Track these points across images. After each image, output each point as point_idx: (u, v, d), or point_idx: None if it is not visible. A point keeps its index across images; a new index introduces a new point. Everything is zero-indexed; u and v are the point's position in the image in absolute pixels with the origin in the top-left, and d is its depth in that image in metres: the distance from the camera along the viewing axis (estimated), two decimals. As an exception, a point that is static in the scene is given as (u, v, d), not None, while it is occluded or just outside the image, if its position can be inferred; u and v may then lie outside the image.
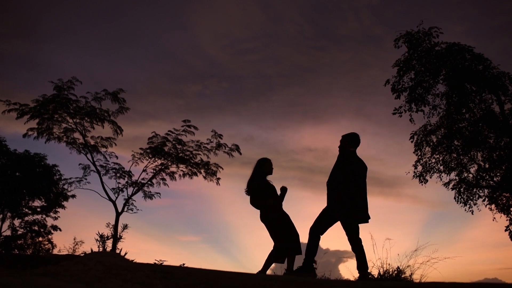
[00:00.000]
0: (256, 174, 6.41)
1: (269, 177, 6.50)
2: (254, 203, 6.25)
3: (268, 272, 6.07)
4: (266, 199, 6.15)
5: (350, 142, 5.96)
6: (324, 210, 5.64)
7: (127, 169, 15.87)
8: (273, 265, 6.18)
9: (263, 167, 6.44)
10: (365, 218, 5.56)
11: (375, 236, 6.06)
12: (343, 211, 5.49)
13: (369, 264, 5.50)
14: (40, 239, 20.58)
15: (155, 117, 30.61)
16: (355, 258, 5.45)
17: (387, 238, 5.96)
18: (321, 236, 5.58)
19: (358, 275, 5.42)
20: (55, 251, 19.85)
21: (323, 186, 5.82)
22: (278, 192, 6.37)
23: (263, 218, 6.16)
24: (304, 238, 5.84)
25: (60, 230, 21.01)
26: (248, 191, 6.37)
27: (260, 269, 5.93)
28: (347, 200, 5.51)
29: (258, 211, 6.22)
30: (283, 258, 5.99)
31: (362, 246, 5.43)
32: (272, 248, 6.03)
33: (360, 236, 5.52)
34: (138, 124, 26.94)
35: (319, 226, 5.55)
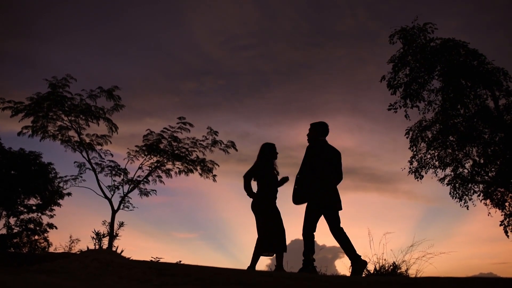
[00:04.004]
0: (261, 158, 6.45)
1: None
2: (247, 177, 6.35)
3: (265, 268, 6.10)
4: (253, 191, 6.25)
5: (319, 131, 6.04)
6: (307, 208, 5.70)
7: (123, 166, 15.86)
8: (269, 261, 6.21)
9: (269, 152, 6.47)
10: (339, 205, 5.67)
11: (371, 232, 6.09)
12: (322, 202, 5.58)
13: (366, 260, 5.52)
14: (36, 237, 20.54)
15: (151, 114, 30.56)
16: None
17: (386, 232, 5.98)
18: (316, 232, 5.64)
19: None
20: (51, 249, 19.81)
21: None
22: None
23: (253, 207, 6.20)
24: (296, 234, 5.87)
25: (56, 228, 20.97)
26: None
27: (249, 265, 5.96)
28: (323, 190, 5.61)
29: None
30: (267, 251, 6.02)
31: (344, 233, 5.49)
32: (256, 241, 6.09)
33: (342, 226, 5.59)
34: (134, 121, 26.91)
35: (309, 224, 5.61)
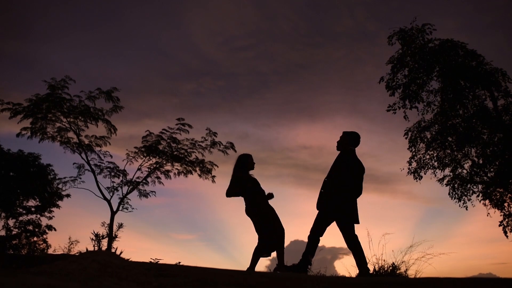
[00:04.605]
0: (239, 169, 6.44)
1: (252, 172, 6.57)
2: (230, 191, 6.32)
3: (264, 269, 6.09)
4: (244, 187, 6.21)
5: (352, 140, 5.89)
6: (320, 212, 5.65)
7: (122, 168, 15.86)
8: (268, 262, 6.19)
9: (246, 162, 6.47)
10: (358, 219, 5.60)
11: (370, 233, 6.08)
12: (340, 212, 5.51)
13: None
14: (35, 239, 20.49)
15: (150, 115, 30.57)
16: (351, 255, 5.47)
17: (385, 233, 5.97)
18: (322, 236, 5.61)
19: (353, 271, 5.44)
20: (50, 251, 19.77)
21: (318, 183, 5.82)
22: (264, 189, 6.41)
23: (248, 212, 6.20)
24: (296, 235, 5.85)
25: (55, 229, 20.91)
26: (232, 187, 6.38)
27: (248, 266, 5.95)
28: (346, 201, 5.53)
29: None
30: (267, 252, 6.01)
31: (359, 243, 5.44)
32: (257, 243, 6.07)
33: (356, 233, 5.54)
34: (133, 123, 26.90)
35: (318, 228, 5.57)
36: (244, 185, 6.26)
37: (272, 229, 5.99)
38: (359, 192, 5.69)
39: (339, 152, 5.93)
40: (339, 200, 5.52)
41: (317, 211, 5.70)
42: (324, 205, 5.61)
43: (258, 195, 6.23)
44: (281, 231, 6.05)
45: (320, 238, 5.59)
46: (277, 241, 5.95)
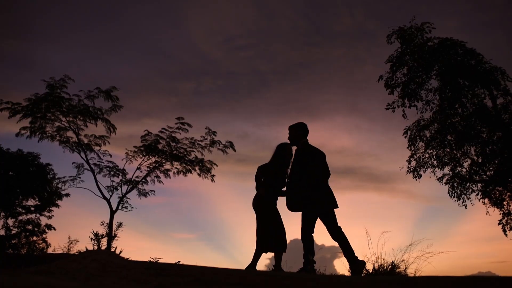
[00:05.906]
0: (277, 159, 6.29)
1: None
2: (256, 179, 6.27)
3: (264, 268, 6.08)
4: (261, 185, 6.14)
5: (303, 132, 5.96)
6: (302, 211, 5.66)
7: (121, 167, 15.85)
8: (268, 261, 6.19)
9: (283, 152, 6.30)
10: (335, 204, 5.61)
11: (369, 231, 6.10)
12: (316, 202, 5.54)
13: (364, 259, 5.53)
14: (35, 238, 20.50)
15: (150, 115, 30.53)
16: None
17: (384, 231, 5.98)
18: (314, 232, 5.63)
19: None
20: (49, 250, 19.78)
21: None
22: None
23: (254, 206, 6.17)
24: (295, 234, 5.86)
25: (55, 229, 20.94)
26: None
27: (249, 263, 5.94)
28: (316, 190, 5.56)
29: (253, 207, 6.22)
30: (263, 250, 5.98)
31: (342, 232, 5.47)
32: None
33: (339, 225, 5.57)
34: (132, 122, 26.87)
35: (307, 227, 5.58)
36: (268, 173, 6.19)
37: (266, 227, 5.96)
38: (329, 175, 5.75)
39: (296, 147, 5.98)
40: (317, 194, 5.56)
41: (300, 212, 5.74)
42: (303, 203, 5.63)
43: (271, 192, 6.16)
44: (279, 231, 6.03)
45: (313, 234, 5.62)
46: (270, 240, 5.93)
